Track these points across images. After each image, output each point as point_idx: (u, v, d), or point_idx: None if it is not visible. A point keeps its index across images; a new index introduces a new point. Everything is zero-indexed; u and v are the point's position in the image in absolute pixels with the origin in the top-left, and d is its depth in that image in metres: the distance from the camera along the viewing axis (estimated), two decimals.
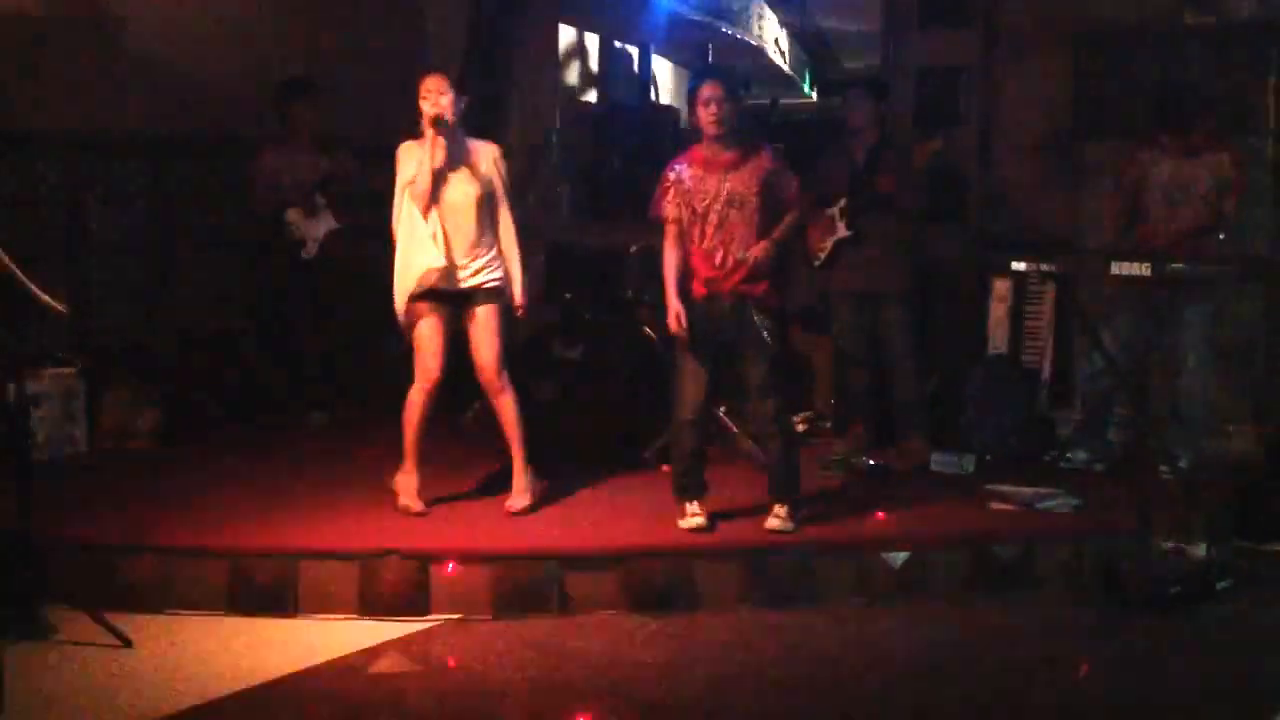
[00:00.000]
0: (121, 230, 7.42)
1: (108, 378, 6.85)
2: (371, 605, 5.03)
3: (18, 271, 4.66)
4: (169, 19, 7.44)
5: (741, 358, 5.52)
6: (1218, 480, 6.45)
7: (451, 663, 4.59)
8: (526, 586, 5.08)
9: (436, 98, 5.45)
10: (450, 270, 5.53)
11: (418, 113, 5.47)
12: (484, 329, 5.60)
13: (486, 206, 5.58)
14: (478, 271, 5.59)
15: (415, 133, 5.53)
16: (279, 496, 5.85)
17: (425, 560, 5.09)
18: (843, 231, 6.72)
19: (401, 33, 8.42)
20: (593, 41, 11.24)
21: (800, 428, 7.70)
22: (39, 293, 4.70)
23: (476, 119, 6.14)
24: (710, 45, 10.81)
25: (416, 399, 5.62)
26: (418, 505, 5.62)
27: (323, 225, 7.36)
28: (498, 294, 5.63)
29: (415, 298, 5.55)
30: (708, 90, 5.43)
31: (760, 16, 11.04)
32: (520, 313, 5.70)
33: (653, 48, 10.88)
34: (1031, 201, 7.92)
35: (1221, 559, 5.48)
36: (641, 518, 5.63)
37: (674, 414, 5.59)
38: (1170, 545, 5.51)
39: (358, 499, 5.80)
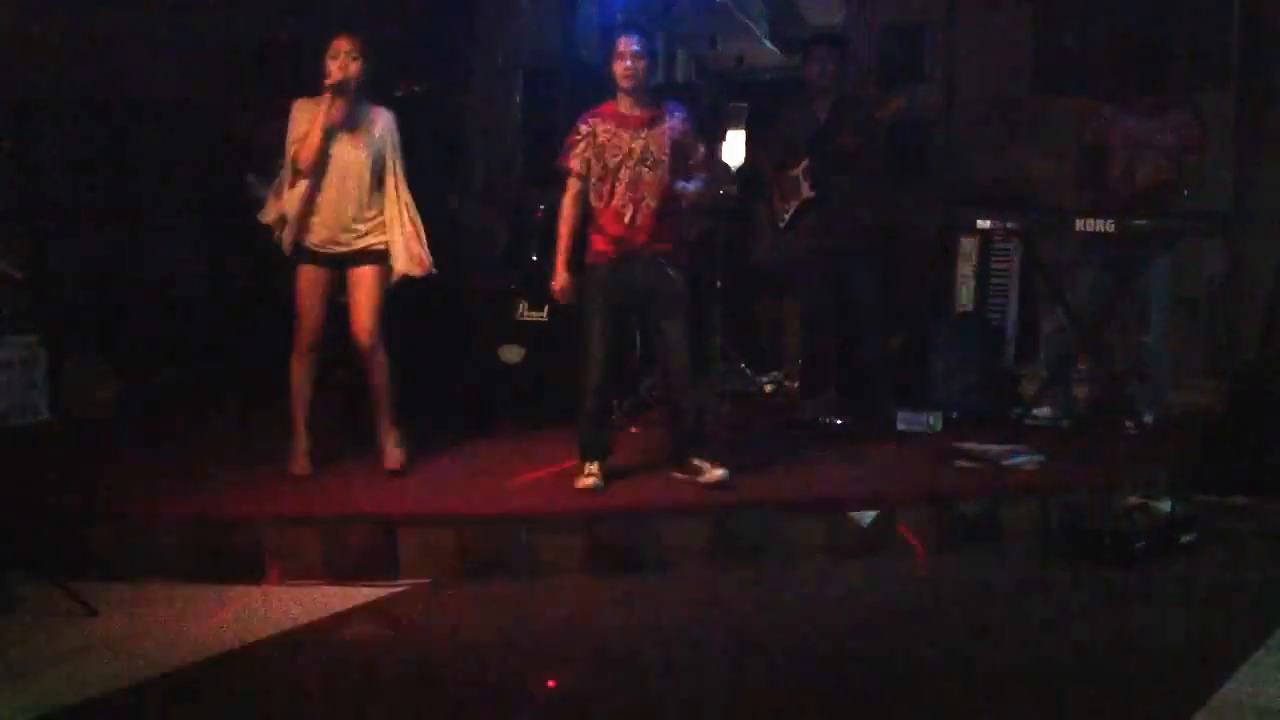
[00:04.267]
0: (82, 195, 7.33)
1: (70, 345, 6.79)
2: (339, 570, 4.99)
3: None
4: None
5: (656, 315, 5.47)
6: (1181, 434, 6.51)
7: (422, 626, 4.58)
8: (495, 550, 5.07)
9: (346, 61, 5.39)
10: (334, 233, 5.50)
11: (322, 70, 5.39)
12: (362, 291, 5.53)
13: (375, 172, 5.52)
14: (362, 235, 5.53)
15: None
16: (244, 462, 5.81)
17: (393, 525, 5.07)
18: (807, 192, 6.67)
19: None
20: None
21: (767, 389, 7.73)
22: None
23: (436, 79, 6.08)
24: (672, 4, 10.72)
25: (295, 364, 5.58)
26: (304, 469, 5.61)
27: None
28: (379, 257, 5.55)
29: (299, 261, 5.52)
30: (624, 44, 5.35)
31: None
32: (395, 282, 5.56)
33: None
34: (995, 158, 7.92)
35: (1185, 513, 5.51)
36: (609, 479, 5.61)
37: (581, 377, 5.52)
38: (1134, 500, 5.55)
39: (323, 464, 5.77)
